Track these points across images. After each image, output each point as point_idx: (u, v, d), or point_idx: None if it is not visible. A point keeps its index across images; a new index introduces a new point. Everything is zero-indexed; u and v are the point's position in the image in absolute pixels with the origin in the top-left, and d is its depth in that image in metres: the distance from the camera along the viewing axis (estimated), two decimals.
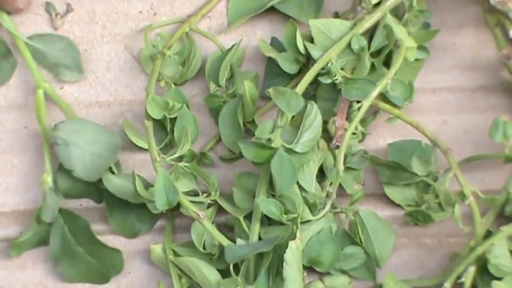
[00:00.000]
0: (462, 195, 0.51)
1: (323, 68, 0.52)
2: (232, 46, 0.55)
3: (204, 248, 0.52)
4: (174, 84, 0.55)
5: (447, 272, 0.51)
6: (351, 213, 0.53)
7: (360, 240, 0.53)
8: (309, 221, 0.51)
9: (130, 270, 0.55)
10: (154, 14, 0.57)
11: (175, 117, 0.54)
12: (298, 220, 0.50)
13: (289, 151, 0.50)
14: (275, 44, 0.56)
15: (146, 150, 0.53)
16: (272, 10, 0.56)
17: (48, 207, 0.53)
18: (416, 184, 0.54)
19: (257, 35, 0.57)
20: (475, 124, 0.56)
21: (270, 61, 0.56)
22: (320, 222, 0.52)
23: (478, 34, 0.57)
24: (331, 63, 0.52)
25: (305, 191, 0.52)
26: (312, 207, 0.51)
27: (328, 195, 0.51)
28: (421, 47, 0.55)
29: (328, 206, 0.51)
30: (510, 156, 0.51)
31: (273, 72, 0.56)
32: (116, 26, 0.57)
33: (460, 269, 0.50)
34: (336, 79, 0.52)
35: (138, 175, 0.52)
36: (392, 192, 0.54)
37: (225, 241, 0.51)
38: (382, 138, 0.56)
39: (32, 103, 0.56)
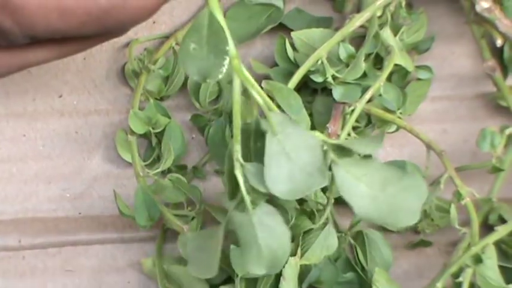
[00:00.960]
0: (458, 195, 0.50)
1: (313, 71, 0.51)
2: None
3: None
4: (156, 98, 0.55)
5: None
6: (352, 235, 0.53)
7: (360, 263, 0.53)
8: (310, 230, 0.50)
9: (129, 280, 0.55)
10: (154, 23, 0.57)
11: (163, 131, 0.54)
12: (300, 238, 0.49)
13: None
14: None
15: None
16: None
17: None
18: None
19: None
20: (474, 133, 0.56)
21: None
22: (321, 237, 0.51)
23: (477, 42, 0.57)
24: (321, 61, 0.51)
25: (304, 201, 0.51)
26: (311, 216, 0.51)
27: (327, 203, 0.50)
28: (425, 67, 0.55)
29: (327, 212, 0.50)
30: (497, 166, 0.51)
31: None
32: None
33: (453, 269, 0.50)
34: (327, 78, 0.51)
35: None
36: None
37: None
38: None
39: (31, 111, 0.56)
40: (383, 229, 0.54)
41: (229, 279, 0.50)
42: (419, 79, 0.55)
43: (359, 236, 0.53)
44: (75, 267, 0.55)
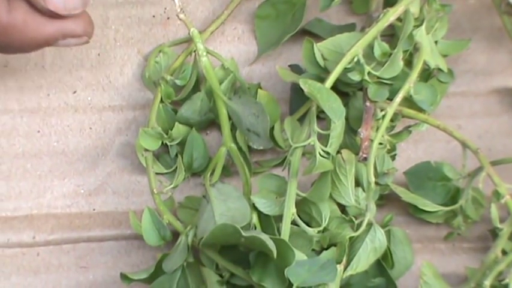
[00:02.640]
0: (497, 195, 0.50)
1: (348, 69, 0.50)
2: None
3: (217, 268, 0.51)
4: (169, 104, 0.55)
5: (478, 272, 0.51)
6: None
7: (392, 262, 0.53)
8: (351, 237, 0.49)
9: None
10: (168, 18, 0.57)
11: (184, 140, 0.54)
12: (346, 244, 0.49)
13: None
14: (295, 70, 0.55)
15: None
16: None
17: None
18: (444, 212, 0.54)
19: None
20: (489, 129, 0.56)
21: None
22: (368, 241, 0.50)
23: (491, 38, 0.57)
24: (358, 58, 0.49)
25: (342, 206, 0.51)
26: (350, 223, 0.50)
27: (366, 208, 0.49)
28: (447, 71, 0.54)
29: (367, 219, 0.49)
30: None
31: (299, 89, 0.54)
32: (129, 30, 0.57)
33: (502, 266, 0.49)
34: (365, 75, 0.49)
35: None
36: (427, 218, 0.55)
37: (230, 267, 0.49)
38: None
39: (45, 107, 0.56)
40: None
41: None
42: (439, 80, 0.55)
43: (386, 235, 0.52)
44: (90, 264, 0.55)
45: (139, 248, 0.55)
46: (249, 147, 0.53)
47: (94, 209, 0.56)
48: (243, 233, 0.44)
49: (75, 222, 0.55)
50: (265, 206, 0.49)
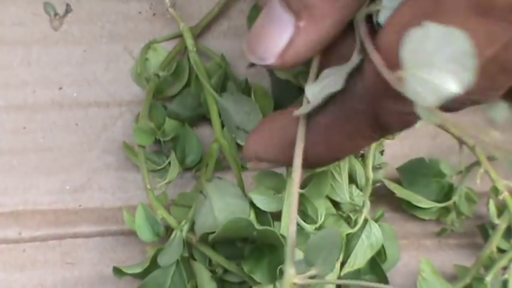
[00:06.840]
0: (496, 191, 0.50)
1: None
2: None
3: (210, 264, 0.51)
4: (160, 99, 0.55)
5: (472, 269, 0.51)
6: None
7: (385, 256, 0.53)
8: (348, 234, 0.50)
9: None
10: (154, 15, 0.56)
11: (177, 136, 0.54)
12: (343, 241, 0.49)
13: None
14: None
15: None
16: None
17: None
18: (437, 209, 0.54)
19: None
20: (477, 125, 0.56)
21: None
22: (364, 237, 0.50)
23: None
24: None
25: (338, 204, 0.51)
26: (347, 219, 0.50)
27: (363, 205, 0.50)
28: None
29: (363, 215, 0.49)
30: None
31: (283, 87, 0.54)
32: (114, 27, 0.56)
33: (503, 263, 0.49)
34: None
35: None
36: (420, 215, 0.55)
37: (224, 262, 0.49)
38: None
39: (31, 103, 0.56)
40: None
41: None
42: None
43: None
44: (76, 260, 0.55)
45: (125, 244, 0.56)
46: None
47: (80, 205, 0.56)
48: (256, 227, 0.45)
49: (61, 219, 0.55)
50: (264, 202, 0.49)
